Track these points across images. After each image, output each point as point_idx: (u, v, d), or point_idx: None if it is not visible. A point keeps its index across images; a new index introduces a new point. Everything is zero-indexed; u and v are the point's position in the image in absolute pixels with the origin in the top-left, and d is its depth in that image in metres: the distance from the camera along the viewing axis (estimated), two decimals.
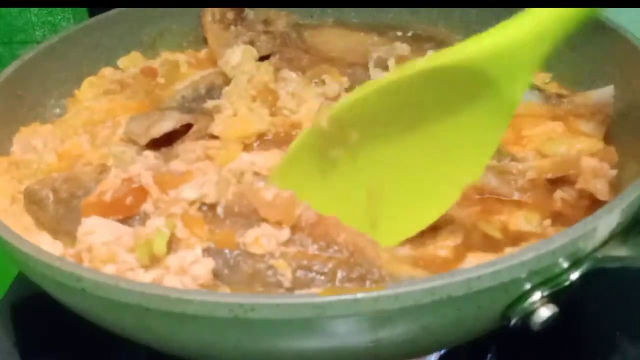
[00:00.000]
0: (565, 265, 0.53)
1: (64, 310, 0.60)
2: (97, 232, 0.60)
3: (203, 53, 0.98)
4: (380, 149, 0.64)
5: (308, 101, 0.79)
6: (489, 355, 0.69)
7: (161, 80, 0.90)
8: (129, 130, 0.76)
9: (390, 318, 0.50)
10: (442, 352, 0.66)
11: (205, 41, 0.97)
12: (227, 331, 0.51)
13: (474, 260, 0.62)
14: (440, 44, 0.87)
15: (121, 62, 0.93)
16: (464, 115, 0.60)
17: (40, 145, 0.78)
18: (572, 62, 0.84)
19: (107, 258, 0.59)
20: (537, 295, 0.52)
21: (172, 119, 0.77)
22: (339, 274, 0.59)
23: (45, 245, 0.63)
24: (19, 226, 0.66)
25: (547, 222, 0.66)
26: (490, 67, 0.57)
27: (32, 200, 0.68)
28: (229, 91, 0.80)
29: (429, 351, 0.63)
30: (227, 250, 0.60)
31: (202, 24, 0.98)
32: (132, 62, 0.93)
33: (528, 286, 0.52)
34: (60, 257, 0.56)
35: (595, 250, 0.54)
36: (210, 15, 0.97)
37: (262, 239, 0.60)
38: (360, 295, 0.48)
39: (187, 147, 0.74)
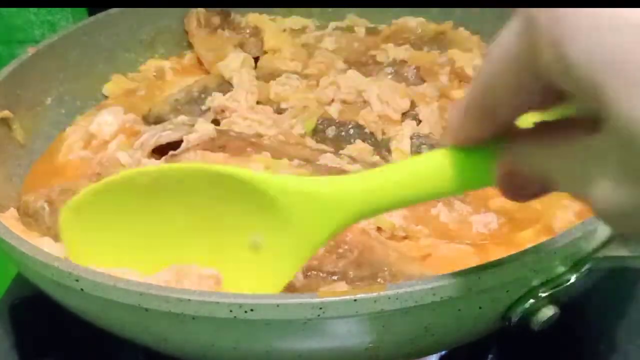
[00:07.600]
0: (567, 265, 0.52)
1: (62, 310, 0.60)
2: None
3: (187, 59, 0.97)
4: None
5: None
6: (489, 356, 0.69)
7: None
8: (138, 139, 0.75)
9: (390, 319, 0.50)
10: (443, 352, 0.66)
11: (191, 45, 0.97)
12: (226, 332, 0.51)
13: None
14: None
15: (105, 89, 0.92)
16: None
17: None
18: None
19: None
20: (538, 296, 0.52)
21: (180, 131, 0.75)
22: (350, 273, 0.59)
23: (48, 248, 0.62)
24: (19, 229, 0.65)
25: None
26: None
27: (27, 213, 0.68)
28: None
29: (429, 352, 0.63)
30: None
31: (188, 29, 0.97)
32: (117, 87, 0.92)
33: (529, 287, 0.52)
34: (59, 257, 0.55)
35: (596, 250, 0.54)
36: (195, 20, 0.96)
37: None
38: (359, 295, 0.48)
39: (190, 157, 0.73)
